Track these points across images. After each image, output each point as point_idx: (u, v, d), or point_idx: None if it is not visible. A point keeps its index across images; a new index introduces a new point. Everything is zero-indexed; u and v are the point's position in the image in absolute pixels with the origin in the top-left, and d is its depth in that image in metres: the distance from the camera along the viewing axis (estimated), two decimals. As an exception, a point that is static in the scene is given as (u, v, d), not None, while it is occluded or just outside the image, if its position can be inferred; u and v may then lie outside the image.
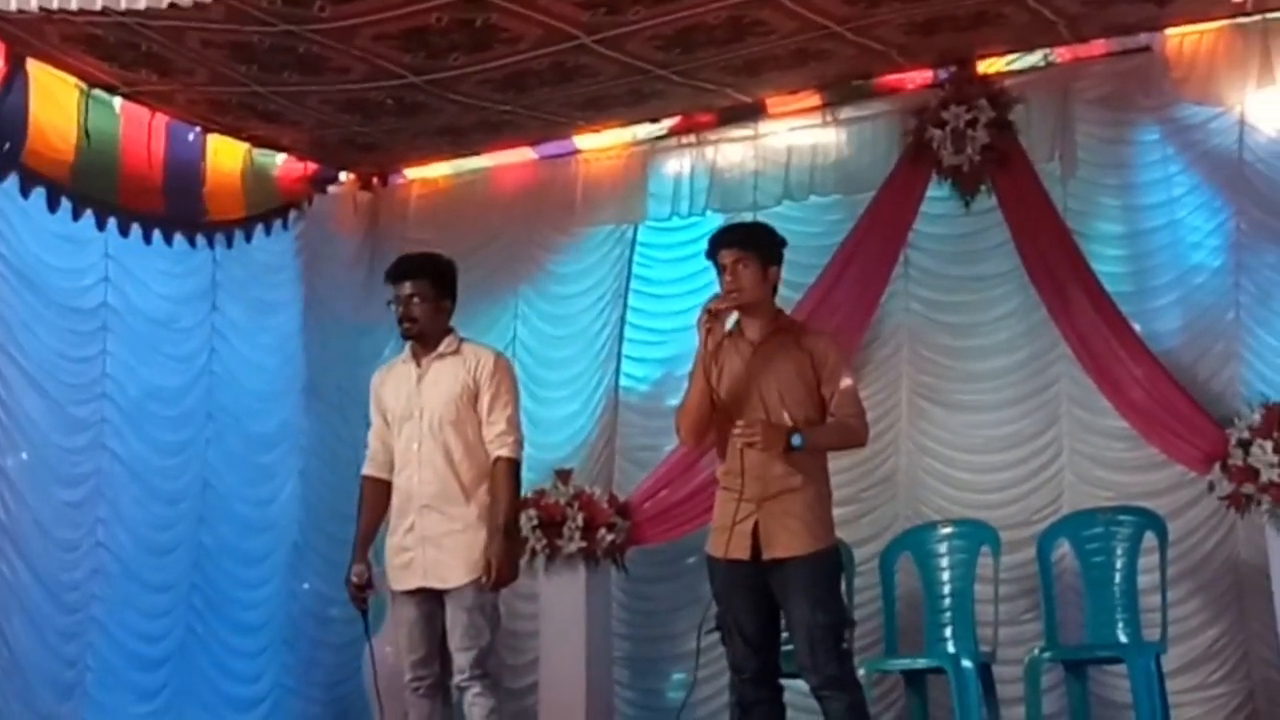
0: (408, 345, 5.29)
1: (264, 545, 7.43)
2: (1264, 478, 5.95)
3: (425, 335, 5.20)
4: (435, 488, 5.09)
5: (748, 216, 6.68)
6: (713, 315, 4.69)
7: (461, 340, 5.27)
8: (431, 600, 5.11)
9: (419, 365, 5.21)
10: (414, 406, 5.17)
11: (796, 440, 4.59)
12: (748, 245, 4.81)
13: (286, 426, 7.58)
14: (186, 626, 6.98)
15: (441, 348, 5.20)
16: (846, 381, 4.78)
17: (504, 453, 5.12)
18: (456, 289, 5.32)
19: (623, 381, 7.76)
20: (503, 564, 5.01)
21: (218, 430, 7.24)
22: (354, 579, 5.21)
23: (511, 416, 5.17)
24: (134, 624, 6.76)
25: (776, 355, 4.74)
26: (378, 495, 5.27)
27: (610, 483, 7.49)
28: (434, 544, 5.07)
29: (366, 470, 5.33)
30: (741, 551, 4.64)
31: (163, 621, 6.91)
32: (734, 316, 4.80)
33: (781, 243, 4.91)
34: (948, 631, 6.35)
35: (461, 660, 5.04)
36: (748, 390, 4.71)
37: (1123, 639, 6.04)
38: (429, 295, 5.19)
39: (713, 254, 4.83)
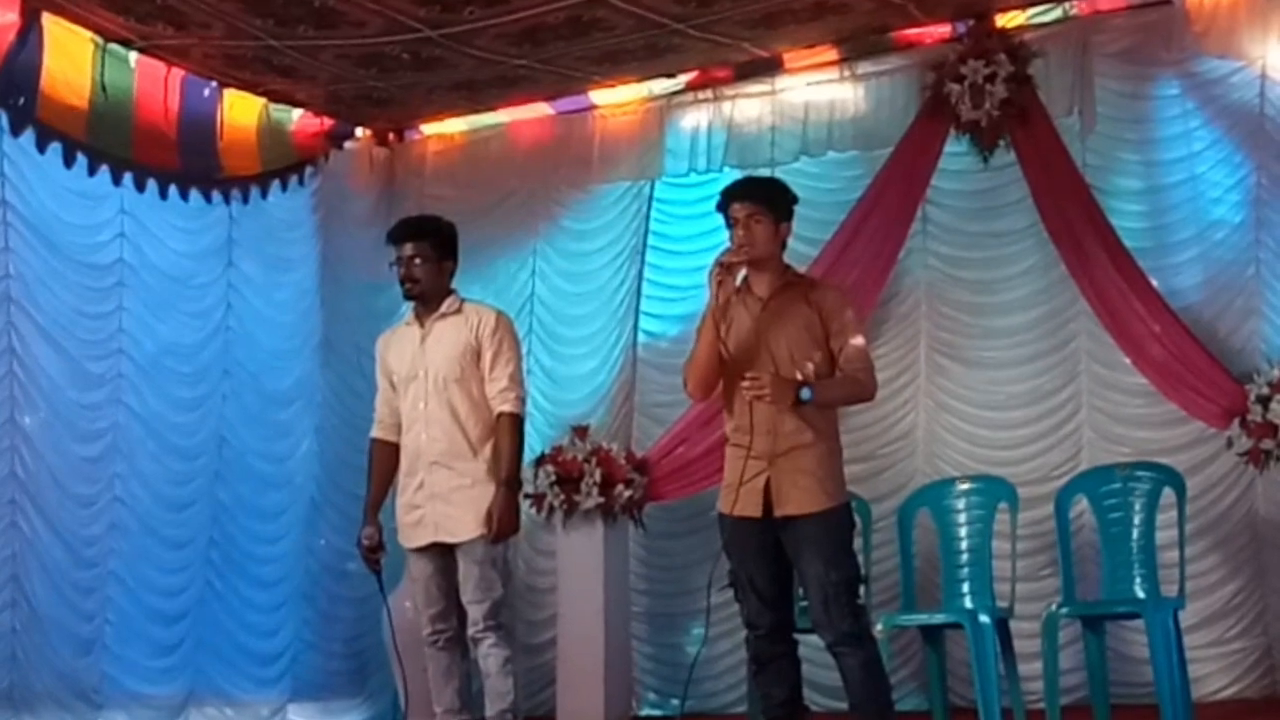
0: (410, 307, 5.37)
1: (280, 501, 7.44)
2: (1283, 433, 5.91)
3: (427, 296, 5.28)
4: (443, 445, 5.19)
5: (765, 172, 6.61)
6: (724, 269, 4.65)
7: (463, 300, 5.35)
8: (444, 555, 5.21)
9: (422, 326, 5.31)
10: (418, 366, 5.26)
11: (805, 394, 4.55)
12: (760, 200, 4.76)
13: (302, 383, 7.57)
14: (204, 581, 6.99)
15: (443, 308, 5.30)
16: (856, 336, 4.74)
17: (506, 408, 5.21)
18: (458, 250, 5.39)
19: (641, 338, 7.74)
20: (504, 516, 5.12)
21: (234, 386, 7.23)
22: (365, 541, 5.31)
23: (514, 373, 5.26)
24: (152, 579, 6.78)
25: (785, 310, 4.71)
26: (386, 457, 5.37)
27: (629, 439, 7.49)
28: (443, 500, 5.17)
29: (375, 433, 5.44)
30: (752, 509, 4.63)
31: (180, 576, 6.93)
32: (743, 271, 4.75)
33: (794, 198, 4.88)
34: (965, 587, 6.31)
35: (475, 613, 5.14)
36: (756, 346, 4.68)
37: (1140, 594, 6.00)
38: (430, 256, 5.28)
39: (724, 207, 4.80)
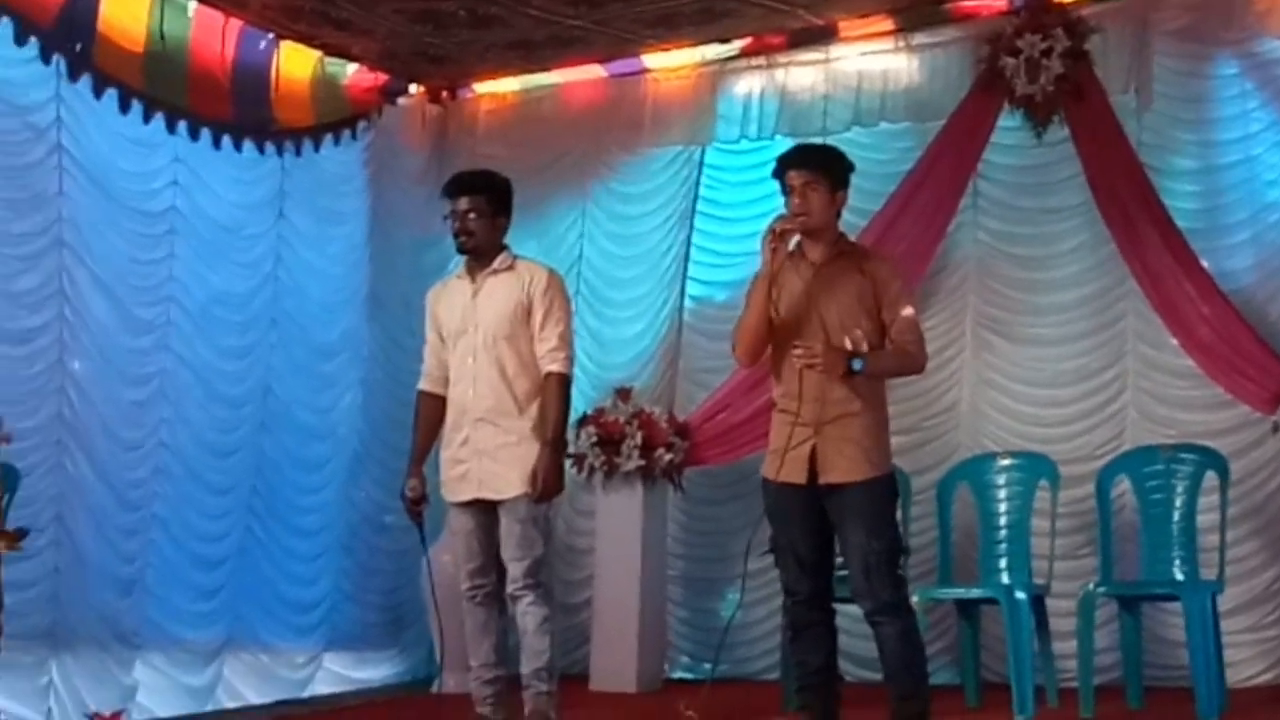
0: (463, 262, 5.37)
1: (323, 452, 7.49)
2: (1329, 420, 5.87)
3: (480, 250, 5.28)
4: (490, 401, 5.19)
5: (817, 141, 6.58)
6: (778, 236, 4.66)
7: (515, 257, 5.35)
8: (486, 511, 5.21)
9: (474, 281, 5.30)
10: (469, 322, 5.26)
11: (857, 364, 4.57)
12: (818, 168, 4.76)
13: (349, 336, 7.61)
14: (245, 528, 7.04)
15: (496, 264, 5.29)
16: (907, 308, 4.75)
17: (555, 368, 5.21)
18: (512, 206, 5.39)
19: (688, 303, 7.75)
20: (550, 476, 5.13)
21: (281, 337, 7.27)
22: (409, 493, 5.32)
23: (564, 333, 5.26)
24: (194, 524, 6.83)
25: (837, 279, 4.71)
26: (433, 410, 5.37)
27: (672, 403, 7.50)
28: (489, 456, 5.17)
29: (422, 385, 5.43)
30: (797, 475, 4.65)
31: (223, 522, 6.97)
32: (796, 238, 4.75)
33: (850, 167, 4.87)
34: (1002, 563, 6.32)
35: (515, 570, 5.15)
36: (807, 312, 4.68)
37: (1179, 577, 5.99)
38: (485, 211, 5.27)
39: (780, 174, 4.80)
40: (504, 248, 5.33)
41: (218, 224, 6.98)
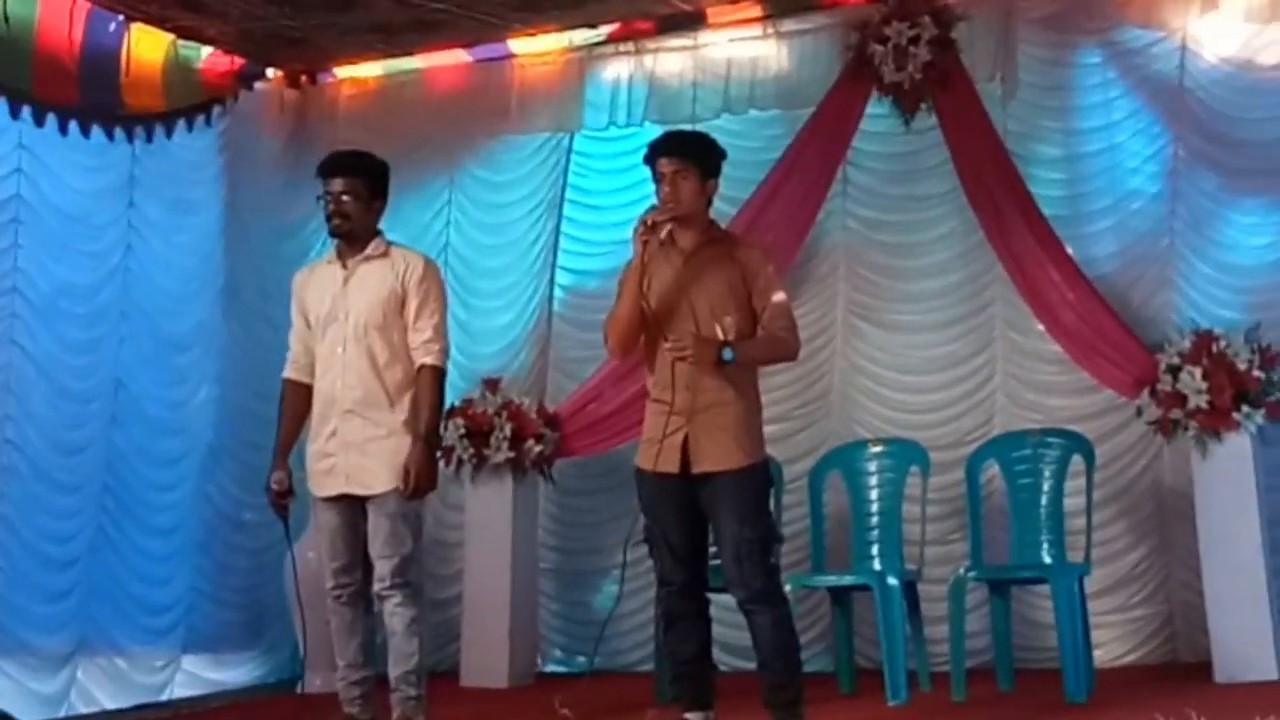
0: (333, 246, 5.19)
1: (177, 448, 7.30)
2: (1191, 404, 6.02)
3: (354, 234, 5.11)
4: (359, 393, 5.03)
5: (687, 127, 6.56)
6: (649, 227, 4.65)
7: (390, 243, 5.19)
8: (353, 507, 5.07)
9: (345, 267, 5.13)
10: (339, 309, 5.09)
11: (727, 354, 4.58)
12: (688, 156, 4.76)
13: (202, 328, 7.44)
14: (97, 527, 6.84)
15: (369, 250, 5.12)
16: (778, 295, 4.76)
17: (429, 360, 5.07)
18: (388, 190, 5.25)
19: (557, 293, 7.71)
20: (422, 472, 4.99)
21: (132, 330, 7.08)
22: (274, 486, 5.15)
23: (439, 324, 5.12)
24: (43, 524, 6.63)
25: (708, 266, 4.71)
26: (298, 399, 5.20)
27: (543, 394, 7.46)
28: (357, 450, 5.02)
29: (287, 373, 5.26)
30: (671, 465, 4.64)
31: (72, 522, 6.77)
32: (668, 226, 4.74)
33: (722, 154, 4.88)
34: (874, 549, 6.39)
35: (383, 568, 5.01)
36: (678, 301, 4.68)
37: (1047, 560, 6.10)
38: (361, 193, 5.11)
39: (651, 161, 4.79)
40: (378, 233, 5.17)
41: (64, 213, 6.79)
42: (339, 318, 5.08)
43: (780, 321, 4.72)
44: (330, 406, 5.08)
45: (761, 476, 4.74)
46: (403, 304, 5.07)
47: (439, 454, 6.71)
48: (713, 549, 4.78)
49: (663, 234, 4.72)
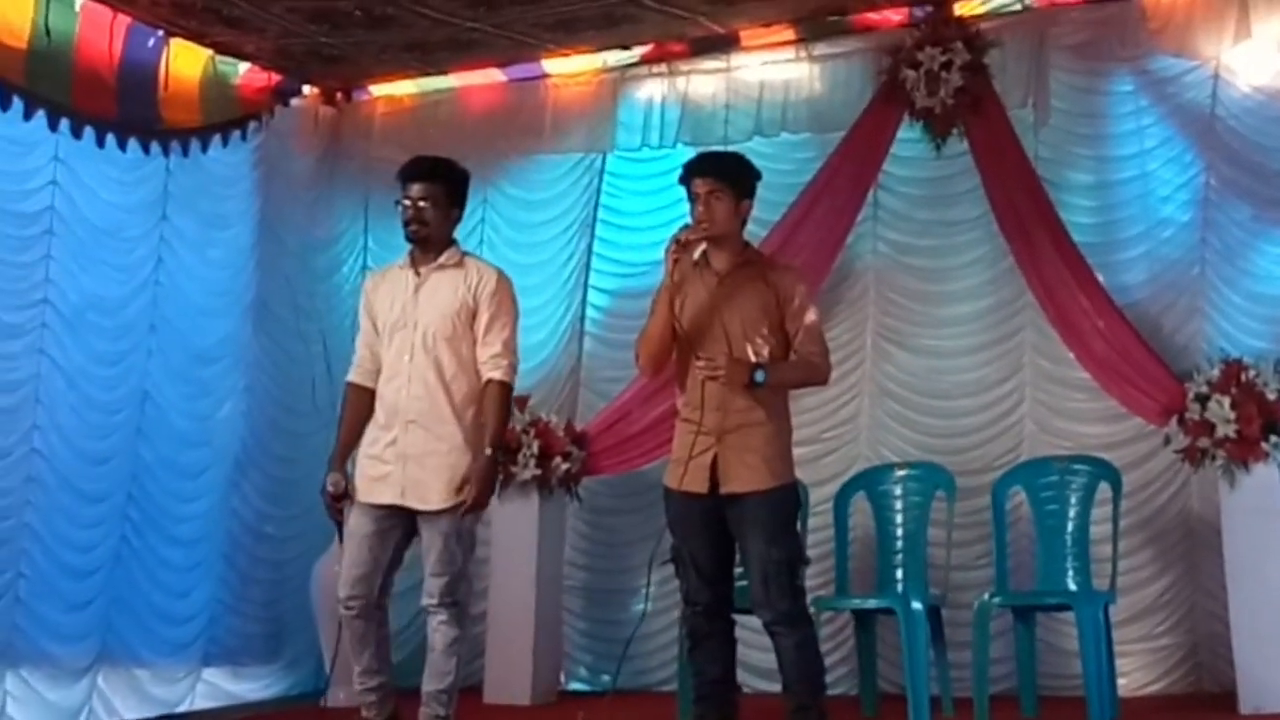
0: (406, 251, 5.18)
1: (202, 460, 7.41)
2: (1219, 432, 6.09)
3: (431, 241, 5.09)
4: (424, 404, 5.01)
5: (721, 148, 6.68)
6: (681, 246, 4.73)
7: (464, 254, 5.19)
8: (395, 519, 5.02)
9: (417, 274, 5.10)
10: (409, 317, 5.07)
11: (759, 376, 4.66)
12: (723, 177, 4.84)
13: (230, 341, 7.55)
14: (120, 537, 6.96)
15: (443, 258, 5.10)
16: (811, 318, 4.84)
17: (497, 375, 5.05)
18: (467, 199, 5.26)
19: (589, 312, 7.85)
20: (483, 486, 4.97)
21: (160, 342, 7.19)
22: (330, 488, 5.08)
23: (508, 340, 5.10)
24: (67, 533, 6.73)
25: (741, 288, 4.80)
26: (361, 403, 5.15)
27: (574, 413, 7.58)
28: (416, 462, 4.99)
29: (352, 377, 5.22)
30: (699, 485, 4.71)
31: (96, 531, 6.88)
32: (701, 247, 4.84)
33: (756, 175, 4.96)
34: (899, 573, 6.49)
35: (433, 585, 5.00)
36: (710, 321, 4.76)
37: (1072, 587, 6.20)
38: (440, 201, 5.10)
39: (686, 181, 4.87)
40: (454, 242, 5.17)
41: (96, 226, 6.91)
42: (408, 325, 5.05)
43: (813, 345, 4.80)
44: (394, 415, 5.03)
45: (790, 498, 4.80)
46: (473, 316, 5.06)
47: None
48: (739, 570, 4.83)
49: (695, 254, 4.81)
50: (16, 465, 6.52)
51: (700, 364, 4.67)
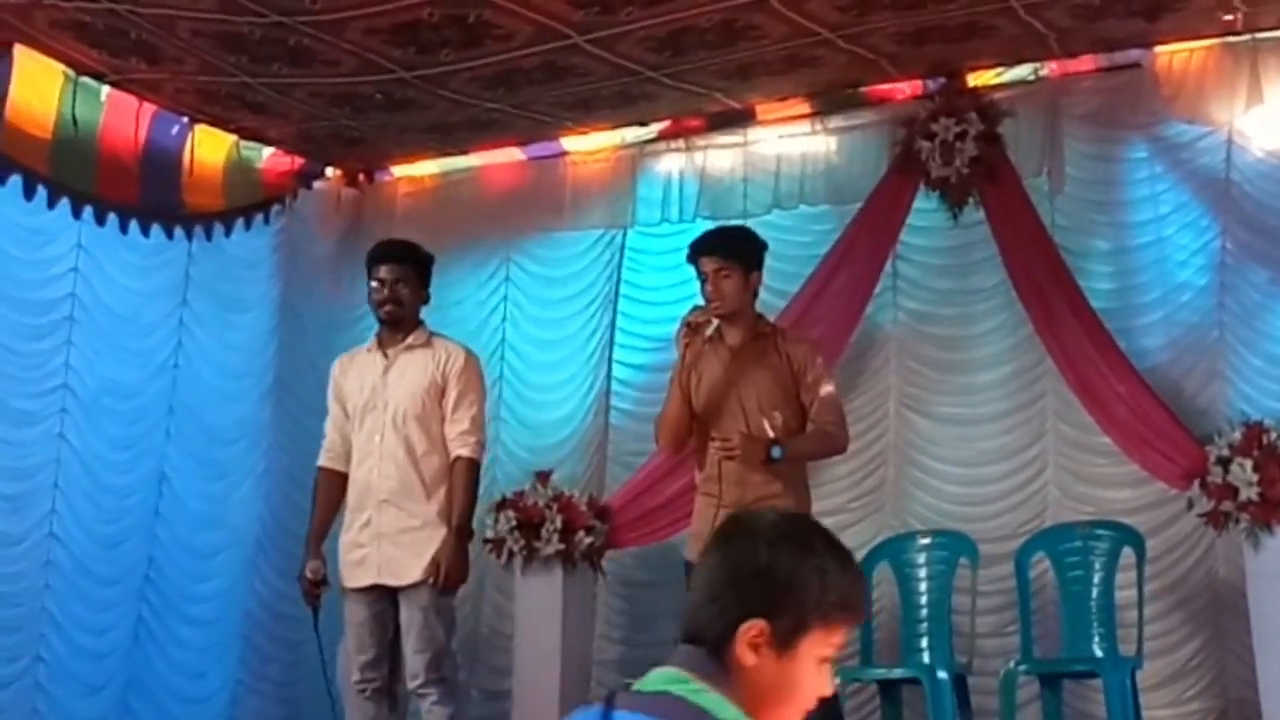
0: (373, 335, 5.40)
1: (218, 540, 7.60)
2: (1243, 496, 6.13)
3: (403, 322, 5.31)
4: (395, 482, 5.20)
5: (735, 222, 6.85)
6: (691, 329, 4.86)
7: (431, 334, 5.37)
8: (383, 599, 5.19)
9: (385, 355, 5.30)
10: (379, 398, 5.27)
11: (776, 452, 4.77)
12: (730, 255, 4.97)
13: (248, 423, 7.75)
14: (138, 618, 7.13)
15: (411, 339, 5.32)
16: (827, 388, 4.95)
17: (465, 452, 5.23)
18: (430, 282, 5.47)
19: (615, 386, 8.00)
20: (453, 565, 5.14)
21: (178, 425, 7.40)
22: (309, 575, 5.26)
23: (476, 416, 5.29)
24: (84, 617, 6.92)
25: (755, 361, 4.92)
26: (333, 487, 5.37)
27: (602, 487, 7.72)
28: (390, 540, 5.17)
29: (322, 461, 5.43)
30: None
31: (113, 614, 7.06)
32: (715, 323, 4.95)
33: (763, 246, 5.11)
34: (924, 642, 6.58)
35: (415, 664, 5.12)
36: (726, 396, 4.88)
37: (1098, 653, 6.28)
38: (412, 281, 5.33)
39: (694, 259, 5.02)
40: (420, 323, 5.37)
41: (117, 312, 7.15)
42: (378, 406, 5.26)
43: (829, 416, 4.91)
44: (366, 495, 5.23)
45: None
46: (442, 394, 5.23)
47: (487, 542, 7.01)
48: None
49: (707, 333, 4.91)
50: (34, 550, 6.74)
51: (716, 444, 4.77)
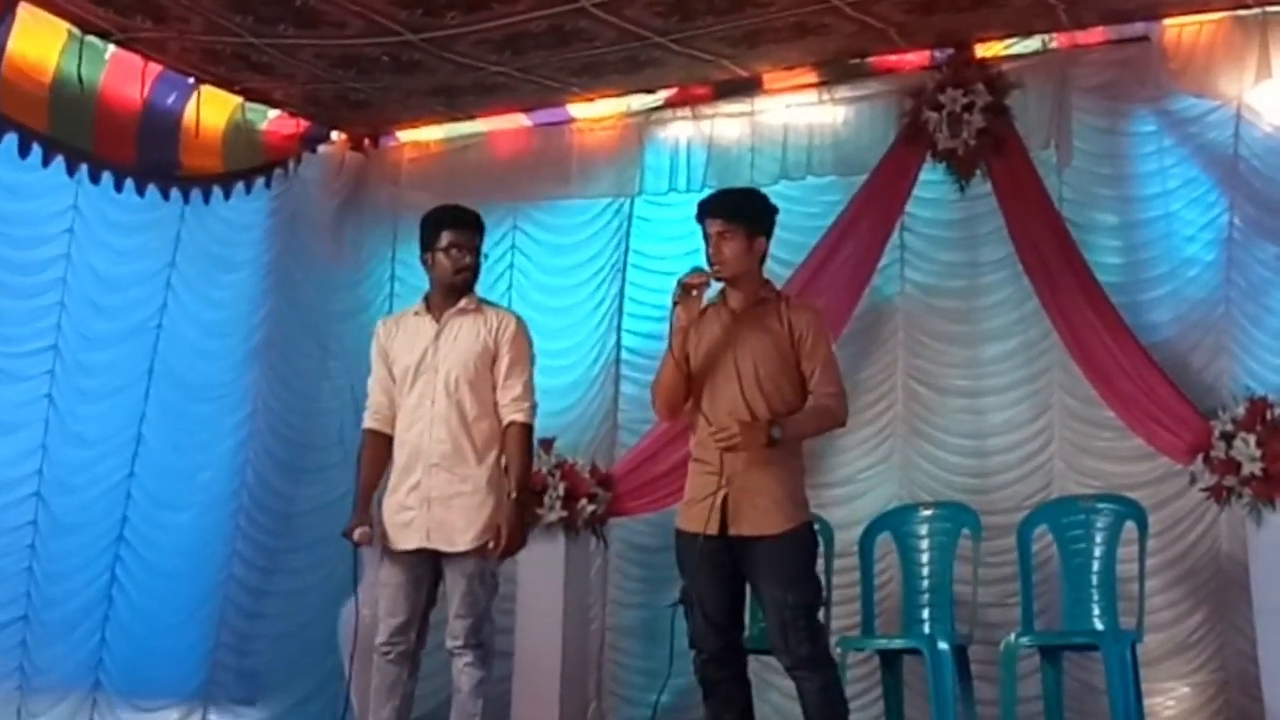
0: (420, 298, 5.45)
1: (200, 498, 7.73)
2: (1245, 470, 6.24)
3: (468, 288, 5.37)
4: (447, 446, 5.23)
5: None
6: (685, 290, 4.86)
7: (481, 300, 5.45)
8: (424, 564, 5.24)
9: (437, 320, 5.35)
10: (430, 362, 5.30)
11: (776, 433, 4.77)
12: (734, 217, 4.97)
13: (229, 383, 7.87)
14: (110, 574, 7.33)
15: (463, 303, 5.36)
16: (827, 358, 4.95)
17: (519, 418, 5.29)
18: None
19: (624, 355, 8.13)
20: (514, 531, 5.18)
21: (157, 385, 7.52)
22: (358, 540, 5.28)
23: (528, 382, 5.34)
24: (66, 571, 7.14)
25: (756, 326, 4.92)
26: (379, 450, 5.39)
27: (612, 455, 7.86)
28: (441, 504, 5.21)
29: (368, 424, 5.45)
30: (709, 526, 4.82)
31: (89, 571, 7.25)
32: (717, 286, 4.98)
33: (773, 211, 5.11)
34: (925, 614, 6.71)
35: (458, 627, 5.19)
36: (723, 359, 4.88)
37: (1099, 626, 6.41)
38: (477, 250, 5.39)
39: (700, 220, 5.04)
40: (472, 290, 5.44)
41: (104, 273, 7.26)
42: (430, 369, 5.28)
43: (829, 387, 4.90)
44: (416, 459, 5.26)
45: (803, 541, 4.88)
46: (494, 360, 5.29)
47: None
48: (758, 613, 5.01)
49: (706, 297, 4.91)
50: (18, 506, 6.92)
51: (713, 431, 4.77)
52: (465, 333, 5.32)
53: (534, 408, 5.34)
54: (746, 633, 5.13)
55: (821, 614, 5.04)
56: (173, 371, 7.55)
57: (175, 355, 7.56)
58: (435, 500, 5.21)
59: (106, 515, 7.29)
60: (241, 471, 7.79)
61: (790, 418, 4.83)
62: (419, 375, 5.31)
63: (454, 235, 5.35)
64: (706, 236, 4.99)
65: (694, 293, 4.87)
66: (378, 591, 5.41)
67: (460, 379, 5.26)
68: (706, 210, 5.04)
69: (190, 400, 7.65)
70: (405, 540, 5.25)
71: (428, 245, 5.39)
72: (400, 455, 5.33)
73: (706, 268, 4.96)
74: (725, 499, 4.79)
